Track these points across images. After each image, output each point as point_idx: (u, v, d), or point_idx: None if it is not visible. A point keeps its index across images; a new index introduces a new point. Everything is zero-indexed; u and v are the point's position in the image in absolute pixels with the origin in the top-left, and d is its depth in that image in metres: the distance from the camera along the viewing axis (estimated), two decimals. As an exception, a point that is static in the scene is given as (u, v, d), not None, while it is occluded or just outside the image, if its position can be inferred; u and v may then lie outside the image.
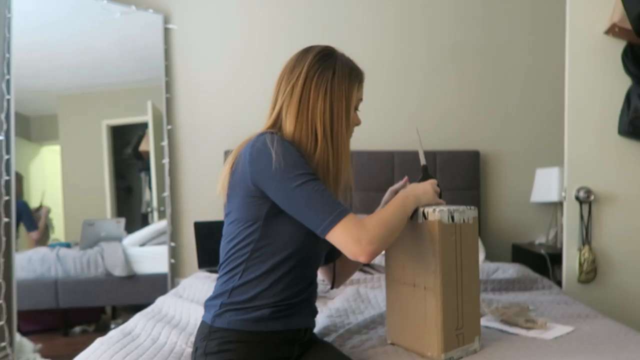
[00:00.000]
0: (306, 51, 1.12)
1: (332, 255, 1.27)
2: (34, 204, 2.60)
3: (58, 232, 2.69)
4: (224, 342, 1.01)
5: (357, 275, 1.95)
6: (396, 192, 1.24)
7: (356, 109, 1.15)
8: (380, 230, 0.96)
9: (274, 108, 1.11)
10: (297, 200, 0.96)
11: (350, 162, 1.13)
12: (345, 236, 0.94)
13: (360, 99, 1.15)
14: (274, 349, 1.04)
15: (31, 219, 2.56)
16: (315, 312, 1.17)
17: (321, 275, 1.33)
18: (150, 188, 2.89)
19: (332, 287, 1.32)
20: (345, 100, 1.09)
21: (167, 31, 2.87)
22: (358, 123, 1.16)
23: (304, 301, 1.10)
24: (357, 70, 1.14)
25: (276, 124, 1.09)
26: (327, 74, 1.07)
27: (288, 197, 0.96)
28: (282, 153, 0.97)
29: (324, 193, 0.96)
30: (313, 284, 1.13)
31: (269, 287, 1.02)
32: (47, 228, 2.66)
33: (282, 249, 1.03)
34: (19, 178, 2.46)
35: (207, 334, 1.03)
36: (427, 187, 1.14)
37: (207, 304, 1.08)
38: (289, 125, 1.06)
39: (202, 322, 1.08)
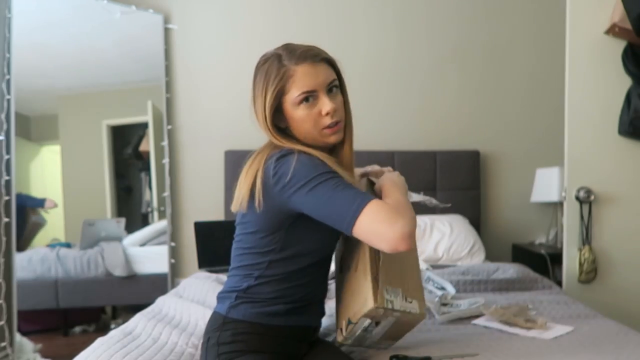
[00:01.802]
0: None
1: None
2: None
3: (58, 232, 2.69)
4: (237, 333, 1.02)
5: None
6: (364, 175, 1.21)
7: (304, 101, 0.99)
8: (409, 211, 0.90)
9: None
10: (315, 203, 0.92)
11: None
12: (373, 223, 0.85)
13: (303, 92, 0.99)
14: (284, 343, 1.06)
15: (34, 198, 2.56)
16: (323, 312, 1.19)
17: None
18: (150, 188, 2.89)
19: None
20: (265, 108, 1.01)
21: (167, 31, 2.87)
22: (324, 112, 1.00)
23: (317, 300, 1.13)
24: (277, 70, 1.00)
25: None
26: (254, 85, 1.05)
27: (308, 203, 0.93)
28: (299, 166, 0.94)
29: (341, 187, 0.90)
30: (325, 282, 1.15)
31: (285, 290, 1.04)
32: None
33: (300, 258, 1.04)
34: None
35: (221, 324, 1.04)
36: (396, 177, 1.08)
37: (221, 296, 1.09)
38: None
39: (215, 313, 1.08)
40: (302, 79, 0.99)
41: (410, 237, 0.85)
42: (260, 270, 1.04)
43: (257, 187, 0.98)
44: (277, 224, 1.00)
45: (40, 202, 2.60)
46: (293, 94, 0.99)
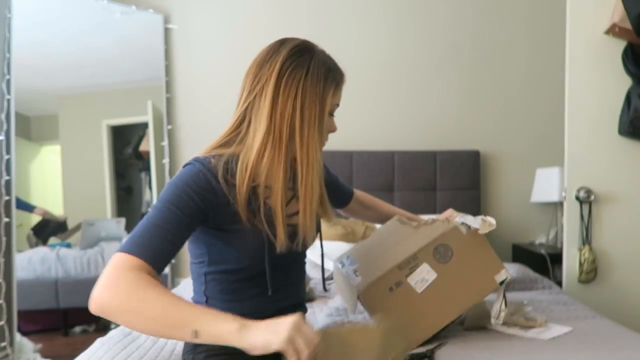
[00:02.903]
0: (281, 44, 1.00)
1: (341, 202, 1.42)
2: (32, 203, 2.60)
3: (58, 232, 2.69)
4: (210, 355, 0.99)
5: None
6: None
7: (331, 114, 1.03)
8: (127, 288, 0.79)
9: (238, 107, 1.02)
10: None
11: (321, 173, 1.02)
12: (103, 272, 0.82)
13: (337, 104, 1.04)
14: (263, 356, 1.02)
15: (24, 202, 2.54)
16: (304, 310, 1.15)
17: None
18: (150, 188, 2.89)
19: None
20: (319, 103, 0.96)
21: (167, 31, 2.87)
22: (333, 130, 1.05)
23: (290, 305, 1.07)
24: (335, 71, 1.01)
25: (240, 128, 1.00)
26: (300, 72, 0.95)
27: None
28: (175, 184, 0.91)
29: (145, 223, 0.86)
30: (294, 286, 1.11)
31: (240, 305, 0.98)
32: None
33: (234, 268, 0.99)
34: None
35: (192, 347, 1.02)
36: (289, 323, 0.81)
37: None
38: (260, 131, 0.95)
39: None
40: (341, 94, 1.05)
41: (98, 307, 0.78)
42: (203, 286, 1.01)
43: None
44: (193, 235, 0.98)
45: (30, 207, 2.59)
46: (336, 100, 1.03)
